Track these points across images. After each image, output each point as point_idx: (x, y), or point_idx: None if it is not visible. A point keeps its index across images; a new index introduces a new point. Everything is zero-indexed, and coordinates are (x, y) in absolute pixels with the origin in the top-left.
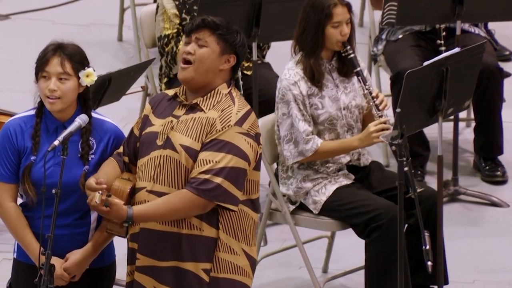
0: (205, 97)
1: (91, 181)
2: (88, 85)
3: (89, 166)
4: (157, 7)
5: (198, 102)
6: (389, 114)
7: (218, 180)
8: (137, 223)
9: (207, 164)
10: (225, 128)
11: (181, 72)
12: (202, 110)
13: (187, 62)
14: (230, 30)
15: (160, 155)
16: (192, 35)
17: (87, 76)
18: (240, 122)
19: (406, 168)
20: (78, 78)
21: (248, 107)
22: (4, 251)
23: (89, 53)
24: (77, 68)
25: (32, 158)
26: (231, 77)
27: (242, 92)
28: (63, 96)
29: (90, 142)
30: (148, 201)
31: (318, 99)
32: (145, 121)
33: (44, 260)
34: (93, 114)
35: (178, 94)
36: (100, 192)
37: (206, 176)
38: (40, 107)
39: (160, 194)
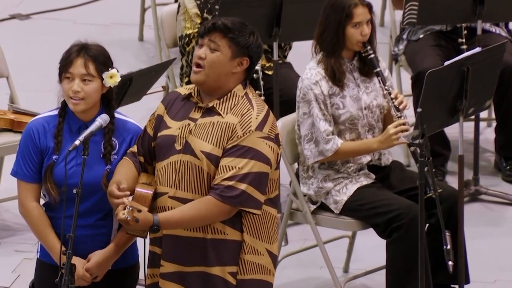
0: (222, 100)
1: (113, 188)
2: (112, 86)
3: (111, 166)
4: (179, 6)
5: (215, 105)
6: (409, 114)
7: (242, 186)
8: (164, 229)
9: (230, 170)
10: (247, 133)
11: (193, 75)
12: (219, 114)
13: (198, 66)
14: (243, 32)
15: (180, 160)
16: (204, 38)
17: (111, 77)
18: (261, 126)
19: (426, 169)
20: (102, 79)
21: (266, 107)
22: (25, 251)
23: (110, 53)
24: (101, 70)
25: (54, 157)
26: (245, 78)
27: (262, 92)
28: (86, 97)
29: (113, 142)
30: (171, 207)
31: (339, 99)
32: (159, 122)
33: (65, 260)
34: (116, 115)
35: (192, 94)
36: (130, 208)
37: (230, 183)
38: (63, 107)
39: (183, 200)
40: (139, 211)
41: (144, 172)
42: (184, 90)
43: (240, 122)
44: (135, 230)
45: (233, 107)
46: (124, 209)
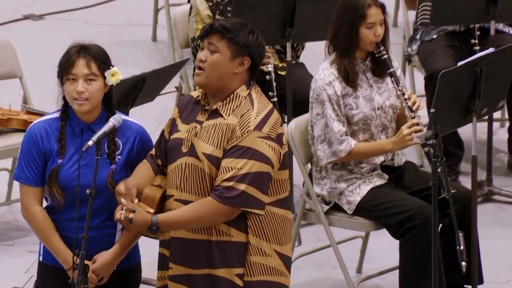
0: (225, 101)
1: (121, 186)
2: (114, 84)
3: (116, 165)
4: (191, 8)
5: (218, 107)
6: (422, 115)
7: (242, 186)
8: (163, 230)
9: (229, 171)
10: (245, 133)
11: (195, 78)
12: (222, 116)
13: (200, 68)
14: (241, 32)
15: (185, 163)
16: (204, 41)
17: (113, 75)
18: (260, 126)
19: (439, 169)
20: (104, 78)
21: (269, 107)
22: (38, 252)
23: (123, 53)
24: (103, 68)
25: (59, 161)
26: (250, 78)
27: (275, 93)
28: (91, 97)
29: (116, 142)
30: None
31: (352, 99)
32: (173, 125)
33: (78, 260)
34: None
35: (200, 98)
36: (124, 208)
37: (230, 184)
38: (64, 109)
39: (187, 203)
40: (133, 211)
41: (162, 174)
42: (196, 93)
43: (239, 123)
44: (146, 230)
45: (235, 108)
46: (122, 209)
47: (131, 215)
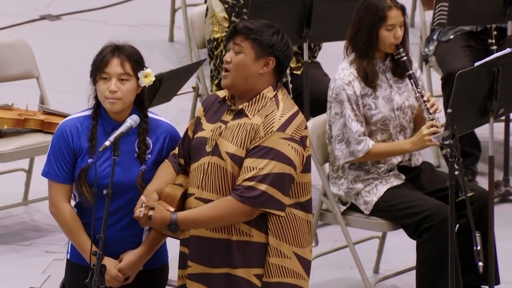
0: (251, 102)
1: (143, 199)
2: (147, 86)
3: (146, 165)
4: (207, 9)
5: (244, 108)
6: (439, 115)
7: (262, 187)
8: (183, 228)
9: (251, 171)
10: (268, 134)
11: (222, 80)
12: (247, 116)
13: (226, 70)
14: (265, 32)
15: (209, 162)
16: (230, 42)
17: (146, 76)
18: (283, 127)
19: (457, 169)
20: (137, 78)
21: (294, 109)
22: (55, 252)
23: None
24: (136, 69)
25: (90, 160)
26: (277, 80)
27: (291, 94)
28: (123, 96)
29: (147, 141)
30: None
31: (371, 100)
32: (197, 124)
33: (95, 260)
34: (149, 114)
35: (226, 98)
36: (143, 205)
37: (251, 183)
38: (96, 108)
39: (207, 201)
40: (152, 208)
41: (184, 173)
42: (222, 92)
43: (263, 123)
44: (165, 229)
45: (261, 109)
46: (142, 206)
47: (150, 213)
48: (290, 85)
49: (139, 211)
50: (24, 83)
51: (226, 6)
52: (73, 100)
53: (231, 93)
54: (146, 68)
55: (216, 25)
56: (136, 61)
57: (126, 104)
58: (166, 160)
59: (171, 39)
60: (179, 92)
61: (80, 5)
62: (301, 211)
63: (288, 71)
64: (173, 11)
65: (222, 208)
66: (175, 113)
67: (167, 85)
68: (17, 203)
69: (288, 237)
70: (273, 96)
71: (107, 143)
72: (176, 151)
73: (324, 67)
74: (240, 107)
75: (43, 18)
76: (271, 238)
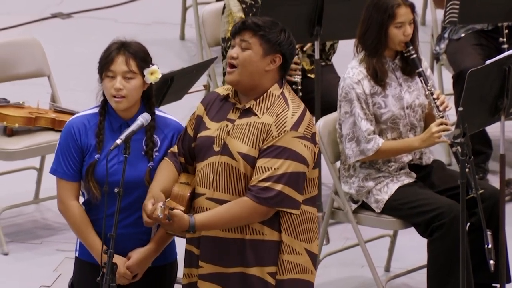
0: (258, 100)
1: (149, 203)
2: (153, 83)
3: (153, 163)
4: (224, 7)
5: (251, 106)
6: (450, 113)
7: (278, 187)
8: (198, 231)
9: (266, 171)
10: (281, 133)
11: (227, 76)
12: (256, 114)
13: (232, 66)
14: (273, 29)
15: (218, 162)
16: (236, 38)
17: (152, 73)
18: (296, 126)
19: (468, 168)
20: (143, 76)
21: (302, 106)
22: (66, 250)
23: (151, 52)
24: (142, 66)
25: (96, 156)
26: (281, 77)
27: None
28: (128, 94)
29: (154, 139)
30: (208, 208)
31: (381, 98)
32: (199, 122)
33: (107, 258)
34: (156, 112)
35: (230, 95)
36: (162, 205)
37: (266, 184)
38: (103, 105)
39: (220, 202)
40: (171, 209)
41: (185, 172)
42: (223, 90)
43: (275, 122)
44: (174, 230)
45: (269, 107)
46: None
47: (170, 213)
48: (299, 87)
49: (152, 211)
50: (35, 81)
51: (244, 6)
52: (84, 99)
53: (236, 89)
54: (153, 65)
55: (232, 24)
56: (141, 58)
57: (131, 102)
58: (166, 158)
59: (182, 37)
60: (190, 90)
61: (91, 3)
62: (310, 206)
63: (299, 81)
64: (184, 9)
65: (239, 210)
66: (186, 111)
67: (178, 83)
68: (28, 201)
69: (300, 233)
70: (280, 94)
71: (118, 141)
72: (175, 149)
73: (337, 67)
74: (247, 105)
75: (54, 16)
76: (284, 236)
